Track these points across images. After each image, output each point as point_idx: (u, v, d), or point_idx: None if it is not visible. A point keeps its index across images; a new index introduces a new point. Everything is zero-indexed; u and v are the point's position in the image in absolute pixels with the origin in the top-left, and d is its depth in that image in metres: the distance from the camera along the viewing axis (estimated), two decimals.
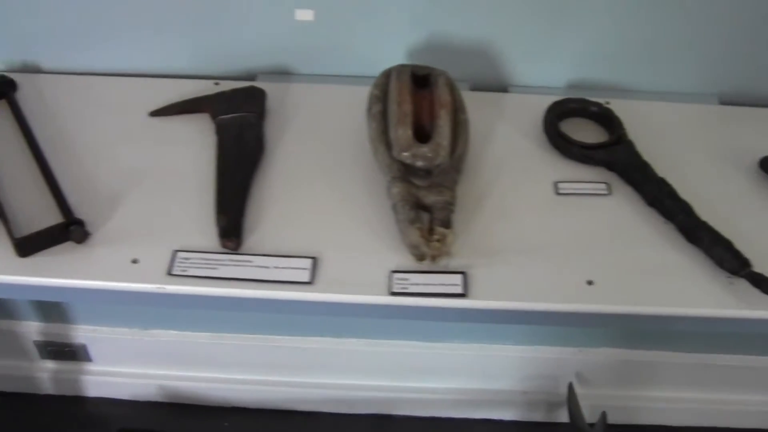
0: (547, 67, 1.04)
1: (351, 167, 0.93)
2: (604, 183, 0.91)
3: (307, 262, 0.81)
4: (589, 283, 0.81)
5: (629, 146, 0.93)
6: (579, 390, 1.37)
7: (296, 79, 1.06)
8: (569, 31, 1.01)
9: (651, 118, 1.01)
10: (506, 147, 0.97)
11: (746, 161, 0.95)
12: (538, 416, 1.45)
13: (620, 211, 0.89)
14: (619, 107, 1.00)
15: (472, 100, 0.96)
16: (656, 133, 0.98)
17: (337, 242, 0.84)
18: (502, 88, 1.05)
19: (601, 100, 1.01)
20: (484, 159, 0.95)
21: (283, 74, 1.07)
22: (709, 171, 0.94)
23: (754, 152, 0.95)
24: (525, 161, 0.95)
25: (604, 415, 1.31)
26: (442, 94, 0.89)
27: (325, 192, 0.90)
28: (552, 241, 0.85)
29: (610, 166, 0.92)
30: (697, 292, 0.80)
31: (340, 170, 0.93)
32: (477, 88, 1.05)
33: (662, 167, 0.91)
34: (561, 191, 0.90)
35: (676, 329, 1.26)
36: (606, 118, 0.97)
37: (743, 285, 0.80)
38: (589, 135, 0.97)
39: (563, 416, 1.42)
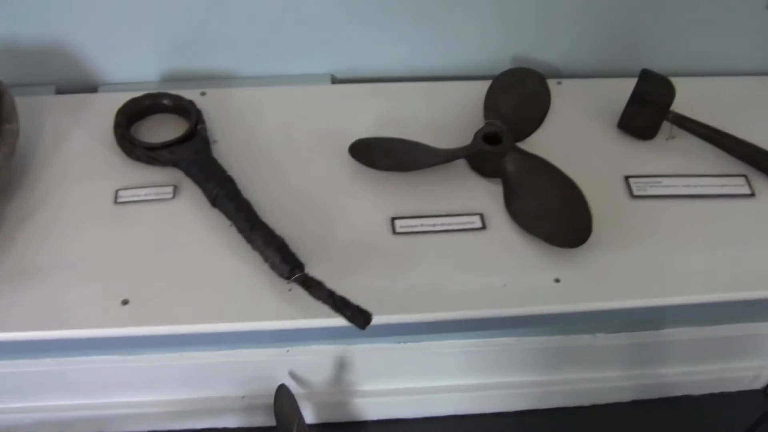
0: (137, 61, 0.94)
1: None
2: (171, 186, 0.83)
3: None
4: (125, 302, 0.73)
5: (200, 142, 0.85)
6: (297, 389, 1.32)
7: None
8: (154, 19, 0.91)
9: (253, 104, 0.93)
10: (77, 154, 0.87)
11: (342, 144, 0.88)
12: (259, 420, 1.39)
13: (183, 216, 0.80)
14: (218, 97, 0.92)
15: (54, 105, 0.87)
16: (261, 119, 0.91)
17: None
18: (92, 88, 0.95)
19: (196, 91, 0.93)
20: (48, 170, 0.85)
21: None
22: (310, 154, 0.87)
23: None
24: (90, 168, 0.85)
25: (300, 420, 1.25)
26: None
27: None
28: (97, 257, 0.76)
29: (178, 165, 0.84)
30: (251, 302, 0.73)
31: None
32: (63, 90, 0.94)
33: (269, 156, 0.85)
34: (120, 200, 0.81)
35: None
36: (186, 112, 0.89)
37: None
38: (174, 132, 0.87)
39: None
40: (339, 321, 0.71)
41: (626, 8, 0.96)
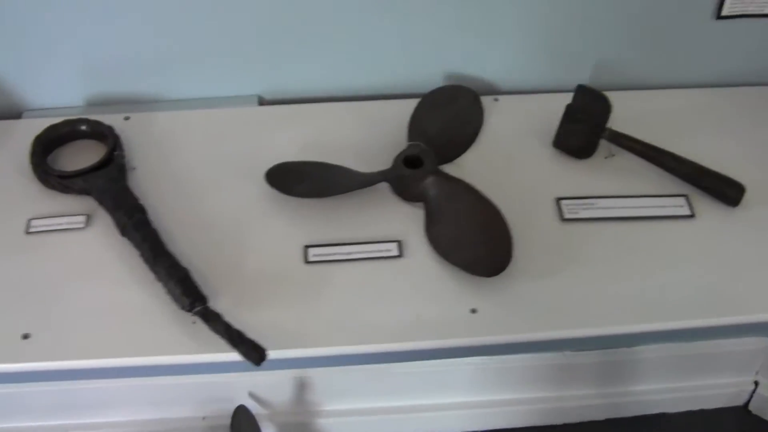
0: (62, 85, 0.93)
1: None
2: (85, 215, 0.81)
3: None
4: (25, 336, 0.71)
5: (114, 170, 0.83)
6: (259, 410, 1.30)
7: None
8: (78, 43, 0.90)
9: (177, 129, 0.91)
10: None
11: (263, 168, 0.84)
12: None
13: (94, 246, 0.78)
14: (143, 121, 0.90)
15: None
16: (184, 144, 0.89)
17: None
18: (16, 113, 0.94)
19: (121, 116, 0.91)
20: None
21: None
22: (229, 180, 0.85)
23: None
24: (5, 197, 0.84)
25: None
26: None
27: None
28: (1, 290, 0.74)
29: (91, 193, 0.82)
30: (154, 335, 0.71)
31: None
32: None
33: (188, 183, 0.83)
34: (32, 229, 0.79)
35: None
36: (105, 138, 0.87)
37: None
38: (92, 158, 0.85)
39: None
40: (236, 355, 0.69)
41: (567, 20, 0.92)
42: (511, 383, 1.35)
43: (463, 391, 1.36)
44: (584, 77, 0.97)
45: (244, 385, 1.29)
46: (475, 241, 0.76)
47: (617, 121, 0.90)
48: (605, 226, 0.82)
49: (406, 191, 0.82)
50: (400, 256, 0.78)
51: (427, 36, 0.91)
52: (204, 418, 1.34)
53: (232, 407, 1.31)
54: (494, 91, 0.96)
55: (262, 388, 1.29)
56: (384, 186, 0.83)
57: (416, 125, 0.86)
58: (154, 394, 1.29)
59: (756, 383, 1.40)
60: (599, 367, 1.34)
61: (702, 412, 1.41)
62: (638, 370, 1.37)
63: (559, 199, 0.83)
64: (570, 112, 0.85)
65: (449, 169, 0.86)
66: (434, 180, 0.80)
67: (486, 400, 1.37)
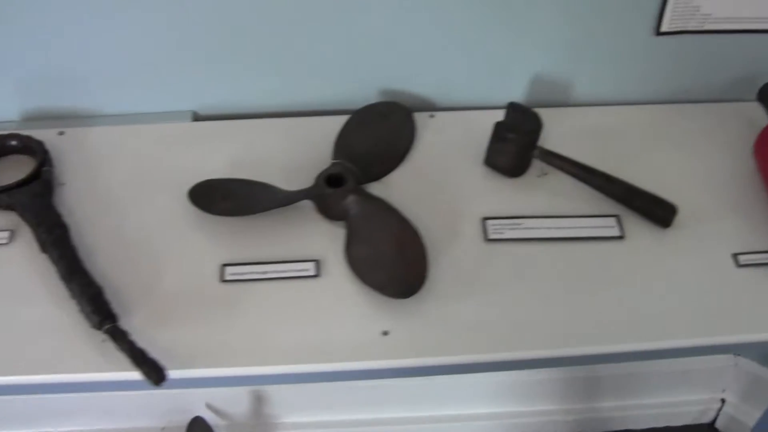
0: None
1: None
2: (9, 231, 0.81)
3: None
4: None
5: (39, 186, 0.83)
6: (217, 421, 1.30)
7: None
8: (13, 57, 0.89)
9: (110, 144, 0.90)
10: None
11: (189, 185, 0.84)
12: None
13: (16, 262, 0.78)
14: (77, 136, 0.90)
15: None
16: (115, 159, 0.89)
17: None
18: None
19: (56, 131, 0.91)
20: None
21: None
22: (155, 197, 0.84)
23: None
24: None
25: None
26: None
27: None
28: None
29: (15, 209, 0.82)
30: (65, 353, 0.71)
31: None
32: None
33: (114, 199, 0.83)
34: None
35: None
36: (34, 153, 0.87)
37: None
38: (23, 174, 0.85)
39: None
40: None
41: (505, 36, 0.90)
42: (469, 398, 1.34)
43: (425, 405, 1.35)
44: (522, 93, 0.95)
45: (202, 397, 1.29)
46: (390, 262, 0.75)
47: (555, 139, 0.89)
48: (531, 247, 0.80)
49: (328, 210, 0.81)
50: (317, 275, 0.77)
51: (363, 52, 0.90)
52: (163, 429, 1.34)
53: (189, 418, 1.32)
54: (431, 108, 0.95)
55: (219, 399, 1.29)
56: (309, 204, 0.83)
57: (343, 143, 0.86)
58: (112, 404, 1.30)
59: (722, 401, 1.37)
60: (563, 384, 1.32)
61: (667, 429, 1.39)
62: (603, 387, 1.35)
63: (485, 219, 0.82)
64: (499, 130, 0.84)
65: (377, 187, 0.85)
66: (355, 199, 0.79)
67: (444, 414, 1.36)
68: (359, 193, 0.79)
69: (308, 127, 0.92)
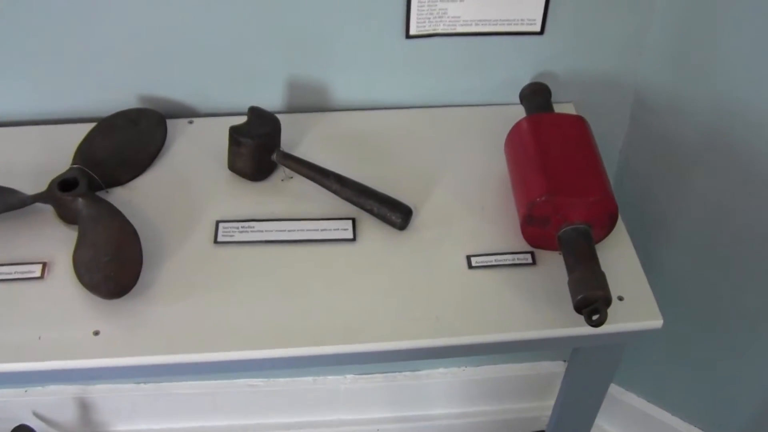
0: None
1: None
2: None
3: None
4: None
5: None
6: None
7: None
8: None
9: None
10: None
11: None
12: None
13: None
14: None
15: None
16: None
17: None
18: None
19: None
20: None
21: None
22: None
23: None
24: None
25: None
26: None
27: None
28: None
29: None
30: None
31: None
32: None
33: None
34: None
35: None
36: None
37: None
38: None
39: None
40: None
41: (258, 41, 0.92)
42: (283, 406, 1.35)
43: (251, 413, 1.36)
44: (280, 99, 0.97)
45: (27, 404, 1.30)
46: (105, 264, 0.77)
47: (311, 144, 0.93)
48: (260, 249, 0.83)
49: (63, 214, 0.83)
50: (41, 278, 0.79)
51: (120, 59, 0.92)
52: None
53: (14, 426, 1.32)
54: (193, 114, 0.97)
55: (46, 407, 1.30)
56: (49, 209, 0.85)
57: (86, 148, 0.88)
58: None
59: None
60: (386, 391, 1.34)
61: None
62: (432, 395, 1.36)
63: (218, 222, 0.85)
64: (233, 135, 0.86)
65: (121, 192, 0.88)
66: (83, 202, 0.81)
67: (269, 423, 1.37)
68: (88, 197, 0.81)
69: (61, 135, 0.94)
